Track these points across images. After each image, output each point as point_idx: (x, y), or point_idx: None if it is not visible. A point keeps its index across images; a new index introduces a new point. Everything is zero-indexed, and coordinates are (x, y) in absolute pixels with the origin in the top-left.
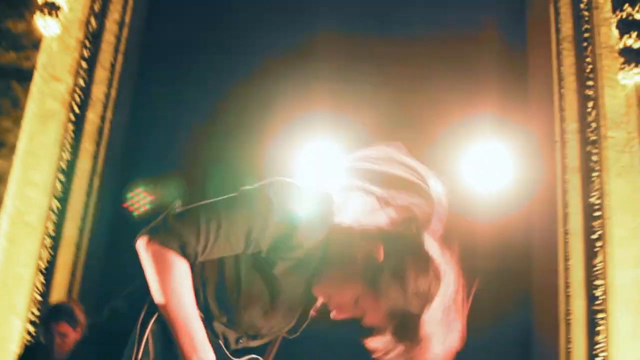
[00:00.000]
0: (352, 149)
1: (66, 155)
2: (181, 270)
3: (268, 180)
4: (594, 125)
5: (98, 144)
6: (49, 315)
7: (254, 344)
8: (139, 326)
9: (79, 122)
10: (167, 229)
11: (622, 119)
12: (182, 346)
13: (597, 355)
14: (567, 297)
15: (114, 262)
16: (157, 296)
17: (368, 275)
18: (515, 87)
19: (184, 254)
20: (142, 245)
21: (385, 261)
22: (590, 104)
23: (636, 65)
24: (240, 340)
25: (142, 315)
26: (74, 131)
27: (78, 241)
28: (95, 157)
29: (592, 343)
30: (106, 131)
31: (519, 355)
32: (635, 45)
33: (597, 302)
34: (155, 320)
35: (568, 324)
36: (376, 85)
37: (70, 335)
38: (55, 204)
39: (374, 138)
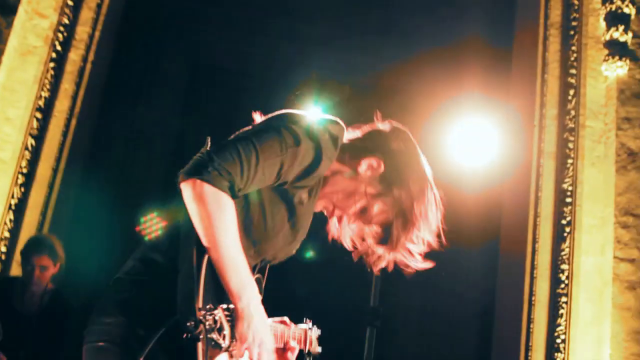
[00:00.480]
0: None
1: (45, 94)
2: (232, 210)
3: (285, 112)
4: (573, 113)
5: (78, 85)
6: (30, 248)
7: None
8: (194, 264)
9: (60, 61)
10: (215, 168)
11: (600, 110)
12: (232, 286)
13: (557, 337)
14: (533, 278)
15: (85, 205)
16: (208, 237)
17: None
18: (499, 70)
19: (232, 193)
20: (189, 187)
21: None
22: (572, 92)
23: (620, 59)
24: (256, 269)
25: (194, 255)
26: (54, 69)
27: (51, 181)
28: (74, 98)
29: (553, 325)
30: (87, 72)
31: (480, 330)
32: (621, 39)
33: (561, 286)
34: (207, 259)
35: (531, 305)
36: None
37: (50, 269)
38: (31, 142)
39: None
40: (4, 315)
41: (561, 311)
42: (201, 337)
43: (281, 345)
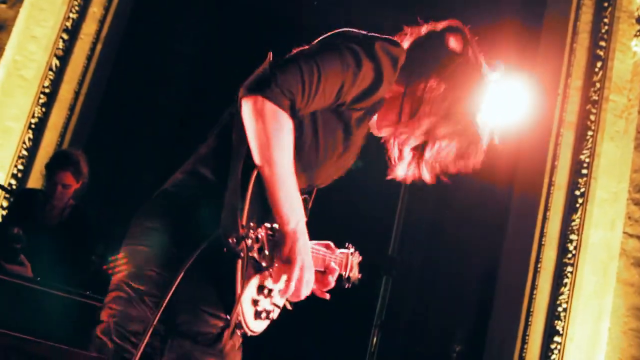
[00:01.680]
0: None
1: (73, 15)
2: (290, 131)
3: (345, 30)
4: (598, 85)
5: (106, 9)
6: (55, 163)
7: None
8: (240, 180)
9: None
10: (278, 85)
11: (625, 85)
12: (280, 206)
13: (559, 306)
14: (541, 245)
15: (104, 130)
16: (263, 154)
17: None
18: (529, 32)
19: (292, 112)
20: (250, 103)
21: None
22: (599, 65)
23: None
24: (304, 192)
25: (240, 170)
26: None
27: (72, 104)
28: (102, 22)
29: (556, 293)
30: None
31: (484, 290)
32: None
33: (568, 256)
34: (256, 176)
35: (537, 272)
36: None
37: (72, 186)
38: (55, 62)
39: None
40: (26, 225)
41: (565, 280)
42: (242, 254)
43: (322, 269)
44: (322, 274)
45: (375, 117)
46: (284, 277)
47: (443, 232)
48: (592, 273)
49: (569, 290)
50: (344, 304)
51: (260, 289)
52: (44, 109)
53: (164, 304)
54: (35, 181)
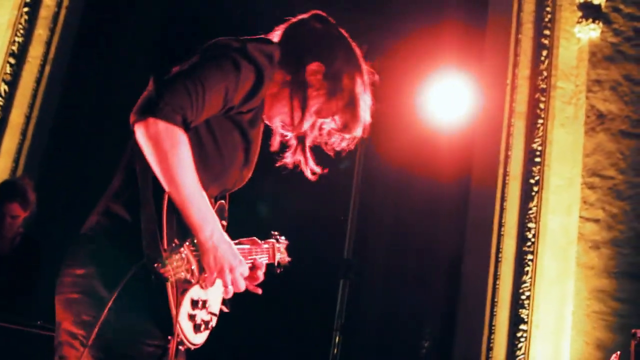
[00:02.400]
0: None
1: (18, 39)
2: (186, 146)
3: (218, 40)
4: (545, 74)
5: (52, 31)
6: (1, 196)
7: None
8: (154, 205)
9: (34, 6)
10: (166, 103)
11: (572, 71)
12: (194, 220)
13: (522, 294)
14: (500, 236)
15: (57, 152)
16: (167, 176)
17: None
18: (474, 29)
19: (185, 126)
20: (142, 127)
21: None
22: (544, 53)
23: (593, 21)
24: (217, 198)
25: (152, 196)
26: (27, 14)
27: (24, 128)
28: (48, 44)
29: (518, 282)
30: (61, 18)
31: (448, 284)
32: (595, 1)
33: (528, 244)
34: (167, 198)
35: (498, 262)
36: None
37: (21, 216)
38: (4, 87)
39: None
40: None
41: (527, 268)
42: (170, 277)
43: (250, 265)
44: (250, 270)
45: (271, 112)
46: (219, 282)
47: (405, 228)
48: (552, 259)
49: (530, 277)
50: (304, 310)
51: (195, 303)
52: None
53: (98, 325)
54: None
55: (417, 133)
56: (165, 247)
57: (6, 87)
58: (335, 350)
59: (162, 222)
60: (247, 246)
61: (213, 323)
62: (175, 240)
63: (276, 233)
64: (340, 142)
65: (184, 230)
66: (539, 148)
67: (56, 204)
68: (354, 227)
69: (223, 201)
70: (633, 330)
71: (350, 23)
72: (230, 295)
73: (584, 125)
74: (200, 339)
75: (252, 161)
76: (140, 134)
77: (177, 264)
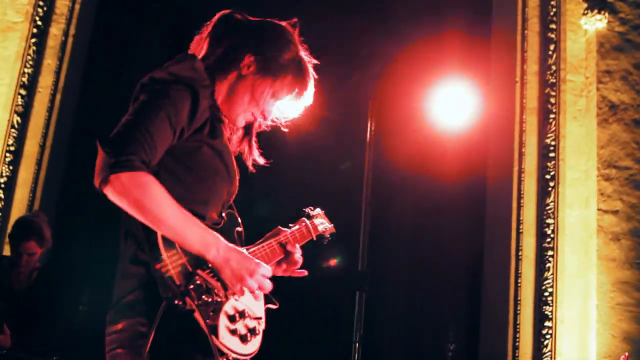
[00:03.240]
0: None
1: (28, 70)
2: (154, 184)
3: (145, 78)
4: (554, 68)
5: (60, 59)
6: (17, 234)
7: None
8: (149, 249)
9: (41, 36)
10: (119, 155)
11: (581, 64)
12: (194, 247)
13: (545, 291)
14: (519, 233)
15: (74, 180)
16: (150, 220)
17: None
18: (479, 28)
19: (147, 167)
20: (110, 188)
21: None
22: (552, 47)
23: (599, 12)
24: (223, 211)
25: (146, 242)
26: (35, 44)
27: (39, 158)
28: (58, 73)
29: (540, 279)
30: (69, 46)
31: (470, 286)
32: None
33: (547, 240)
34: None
35: (518, 260)
36: None
37: (37, 253)
38: (16, 119)
39: None
40: None
41: (548, 265)
42: (195, 307)
43: (281, 256)
44: (285, 260)
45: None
46: (246, 290)
47: (424, 233)
48: (573, 253)
49: (552, 274)
50: (325, 324)
51: (231, 317)
52: (11, 167)
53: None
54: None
55: (430, 136)
56: (178, 283)
57: (19, 118)
58: None
59: (165, 262)
60: (272, 239)
61: (261, 326)
62: (188, 271)
63: (307, 209)
64: (291, 113)
65: (195, 257)
66: (553, 143)
67: (75, 234)
68: (367, 238)
69: (231, 210)
70: None
71: (356, 30)
72: (261, 296)
73: (596, 117)
74: (252, 346)
75: (233, 167)
76: (109, 194)
77: (197, 292)
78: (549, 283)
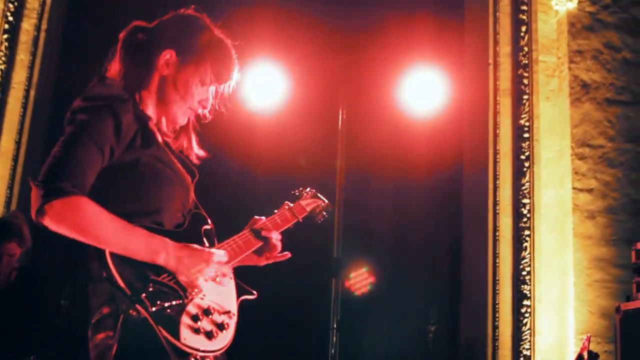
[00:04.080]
0: None
1: (1, 67)
2: (88, 202)
3: (70, 108)
4: (526, 49)
5: (33, 55)
6: None
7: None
8: (95, 267)
9: (12, 32)
10: (49, 184)
11: (553, 44)
12: (143, 256)
13: (522, 270)
14: (496, 214)
15: None
16: (92, 239)
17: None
18: (452, 11)
19: (79, 191)
20: (47, 218)
21: None
22: (523, 29)
23: None
24: (188, 217)
25: (91, 261)
26: (7, 40)
27: (15, 154)
28: (31, 68)
29: (518, 258)
30: (41, 41)
31: (450, 268)
32: None
33: (524, 220)
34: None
35: (496, 240)
36: None
37: (17, 253)
38: None
39: None
40: None
41: (525, 244)
42: (146, 314)
43: (257, 244)
44: (265, 247)
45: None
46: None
47: (405, 218)
48: (549, 232)
49: (529, 253)
50: (301, 311)
51: (194, 317)
52: None
53: None
54: None
55: (405, 121)
56: (129, 293)
57: None
58: (334, 350)
59: (115, 276)
60: (246, 231)
61: (233, 319)
62: (138, 284)
63: (296, 190)
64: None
65: (145, 267)
66: (527, 124)
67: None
68: (341, 225)
69: (196, 209)
70: (617, 304)
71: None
72: (231, 288)
73: (569, 96)
74: (221, 341)
75: (178, 167)
76: (48, 224)
77: (149, 301)
78: (526, 262)
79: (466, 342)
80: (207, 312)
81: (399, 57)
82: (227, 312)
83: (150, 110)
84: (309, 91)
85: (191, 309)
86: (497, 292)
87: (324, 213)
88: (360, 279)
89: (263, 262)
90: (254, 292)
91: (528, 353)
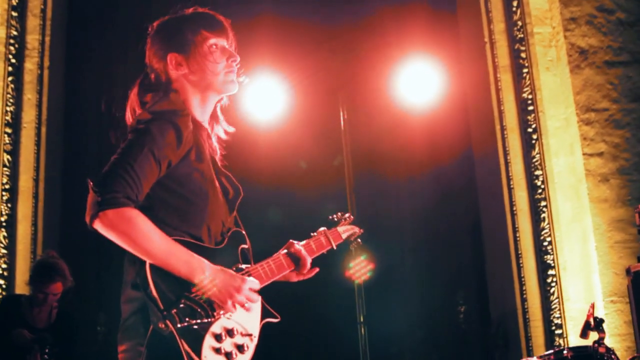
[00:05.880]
0: None
1: (10, 108)
2: (139, 217)
3: (135, 117)
4: (520, 23)
5: (40, 93)
6: (43, 277)
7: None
8: (133, 277)
9: (17, 73)
10: (106, 193)
11: (546, 15)
12: (182, 273)
13: (544, 241)
14: (510, 189)
15: (74, 208)
16: (138, 251)
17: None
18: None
19: (133, 202)
20: (99, 224)
21: None
22: (515, 3)
23: None
24: (228, 231)
25: (131, 270)
26: (13, 82)
27: (35, 192)
28: (39, 106)
29: (537, 230)
30: (45, 79)
31: (472, 246)
32: None
33: (539, 192)
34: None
35: (514, 215)
36: None
37: (60, 293)
38: (6, 157)
39: None
40: (18, 326)
41: (543, 215)
42: (173, 330)
43: (288, 269)
44: (296, 270)
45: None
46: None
47: (423, 203)
48: (565, 200)
49: (548, 223)
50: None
51: (218, 337)
52: (9, 205)
53: None
54: (22, 274)
55: (405, 114)
56: (161, 307)
57: (9, 156)
58: (363, 343)
59: (150, 287)
60: (280, 256)
61: (253, 342)
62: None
63: (334, 215)
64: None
65: (182, 282)
66: (530, 96)
67: (81, 260)
68: (356, 221)
69: (237, 227)
70: (628, 266)
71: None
72: (257, 312)
73: (568, 64)
74: None
75: (224, 186)
76: (99, 229)
77: (179, 317)
78: (546, 232)
79: (497, 319)
80: (230, 333)
81: (394, 51)
82: (249, 335)
83: (198, 112)
84: (309, 95)
85: (216, 328)
86: (521, 265)
87: (359, 240)
88: (359, 267)
89: (294, 279)
90: (278, 315)
91: (559, 321)
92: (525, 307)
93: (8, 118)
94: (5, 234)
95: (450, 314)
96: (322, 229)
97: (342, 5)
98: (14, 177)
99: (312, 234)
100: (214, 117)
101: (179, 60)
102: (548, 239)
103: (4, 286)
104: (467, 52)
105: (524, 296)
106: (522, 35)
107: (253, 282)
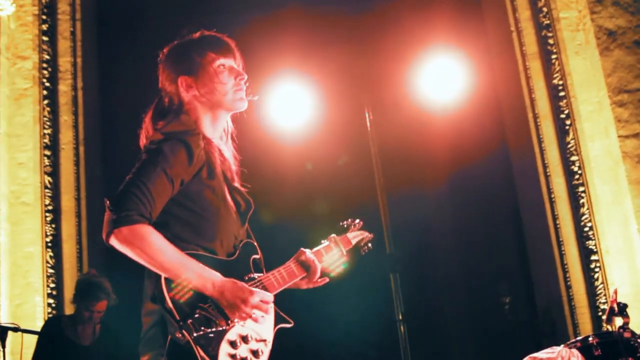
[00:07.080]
0: None
1: (47, 131)
2: (153, 232)
3: (149, 138)
4: (545, 9)
5: (75, 114)
6: (89, 295)
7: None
8: (150, 290)
9: (52, 96)
10: (121, 211)
11: None
12: (197, 285)
13: (584, 226)
14: (547, 177)
15: None
16: (153, 265)
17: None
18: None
19: (146, 219)
20: (114, 240)
21: None
22: None
23: None
24: (239, 244)
25: (148, 284)
26: (49, 105)
27: (77, 211)
28: (75, 127)
29: (577, 216)
30: (80, 99)
31: (513, 237)
32: None
33: (576, 177)
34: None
35: (552, 202)
36: None
37: (104, 310)
38: (47, 179)
39: None
40: (64, 349)
41: (582, 200)
42: (190, 339)
43: (299, 276)
44: (305, 277)
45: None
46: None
47: (462, 196)
48: (603, 184)
49: (587, 209)
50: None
51: (232, 343)
52: (53, 225)
53: None
54: (70, 292)
55: (430, 111)
56: (177, 318)
57: (50, 178)
58: (403, 341)
59: (166, 300)
60: (291, 263)
61: (266, 347)
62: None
63: (344, 222)
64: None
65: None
66: (560, 82)
67: (126, 276)
68: (388, 220)
69: (249, 239)
70: None
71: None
72: (270, 318)
73: (597, 47)
74: None
75: (235, 200)
76: (115, 245)
77: (194, 326)
78: (586, 218)
79: (543, 308)
80: (245, 339)
81: (418, 46)
82: (264, 340)
83: (209, 130)
84: (334, 98)
85: (231, 335)
86: (564, 252)
87: (369, 245)
88: (333, 261)
89: (304, 287)
90: (291, 321)
91: (605, 306)
92: (571, 294)
93: (46, 140)
94: (51, 253)
95: (496, 306)
96: (332, 235)
97: (365, 3)
98: (56, 198)
99: (322, 241)
100: (225, 134)
101: (189, 82)
102: (589, 224)
103: (53, 305)
104: (494, 43)
105: (568, 283)
106: (548, 21)
107: (264, 294)
